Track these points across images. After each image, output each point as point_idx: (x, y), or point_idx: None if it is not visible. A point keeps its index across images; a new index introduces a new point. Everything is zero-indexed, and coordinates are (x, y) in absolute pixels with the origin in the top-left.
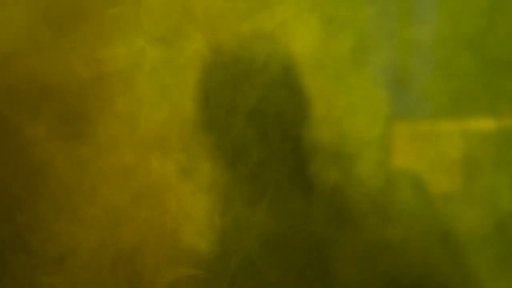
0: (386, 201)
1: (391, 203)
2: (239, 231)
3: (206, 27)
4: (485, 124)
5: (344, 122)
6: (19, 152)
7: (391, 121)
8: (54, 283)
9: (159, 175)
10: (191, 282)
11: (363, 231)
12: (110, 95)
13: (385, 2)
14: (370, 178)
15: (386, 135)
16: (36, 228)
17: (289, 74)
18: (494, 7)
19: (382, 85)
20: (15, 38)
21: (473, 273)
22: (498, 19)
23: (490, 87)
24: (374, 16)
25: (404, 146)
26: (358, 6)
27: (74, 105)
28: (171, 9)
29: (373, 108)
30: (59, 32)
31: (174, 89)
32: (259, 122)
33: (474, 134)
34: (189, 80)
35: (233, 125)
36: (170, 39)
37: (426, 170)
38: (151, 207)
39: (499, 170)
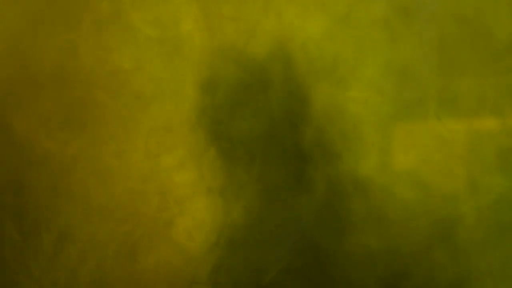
0: (387, 200)
1: (391, 203)
2: (233, 225)
3: (203, 12)
4: (488, 123)
5: (344, 119)
6: (20, 145)
7: (393, 120)
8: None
9: (158, 168)
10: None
11: (361, 230)
12: (109, 84)
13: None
14: (371, 177)
15: (387, 134)
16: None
17: (289, 62)
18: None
19: (384, 83)
20: (13, 34)
21: (475, 274)
22: (501, 17)
23: (493, 85)
24: (377, 14)
25: (405, 145)
26: (360, 3)
27: (73, 97)
28: None
29: (375, 106)
30: (56, 25)
31: (172, 78)
32: (262, 117)
33: (476, 133)
34: (186, 67)
35: (233, 116)
36: (166, 22)
37: (428, 170)
38: (149, 200)
39: (501, 170)
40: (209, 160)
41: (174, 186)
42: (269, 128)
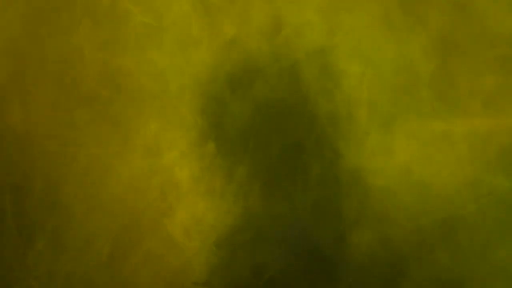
0: (387, 201)
1: (392, 203)
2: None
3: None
4: (489, 122)
5: (345, 119)
6: (20, 145)
7: (394, 120)
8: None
9: (158, 166)
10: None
11: (361, 229)
12: (109, 83)
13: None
14: (370, 177)
15: (389, 134)
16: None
17: (283, 47)
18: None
19: (380, 65)
20: (13, 34)
21: (475, 274)
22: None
23: (494, 84)
24: (377, 15)
25: (406, 146)
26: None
27: (73, 97)
28: None
29: (370, 91)
30: (56, 25)
31: (172, 74)
32: (260, 105)
33: (478, 133)
34: (186, 62)
35: (230, 107)
36: (163, 11)
37: (429, 170)
38: (149, 199)
39: (503, 169)
40: (209, 157)
41: (174, 184)
42: (266, 118)
